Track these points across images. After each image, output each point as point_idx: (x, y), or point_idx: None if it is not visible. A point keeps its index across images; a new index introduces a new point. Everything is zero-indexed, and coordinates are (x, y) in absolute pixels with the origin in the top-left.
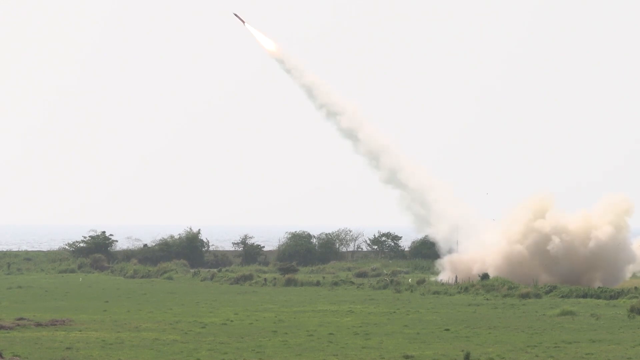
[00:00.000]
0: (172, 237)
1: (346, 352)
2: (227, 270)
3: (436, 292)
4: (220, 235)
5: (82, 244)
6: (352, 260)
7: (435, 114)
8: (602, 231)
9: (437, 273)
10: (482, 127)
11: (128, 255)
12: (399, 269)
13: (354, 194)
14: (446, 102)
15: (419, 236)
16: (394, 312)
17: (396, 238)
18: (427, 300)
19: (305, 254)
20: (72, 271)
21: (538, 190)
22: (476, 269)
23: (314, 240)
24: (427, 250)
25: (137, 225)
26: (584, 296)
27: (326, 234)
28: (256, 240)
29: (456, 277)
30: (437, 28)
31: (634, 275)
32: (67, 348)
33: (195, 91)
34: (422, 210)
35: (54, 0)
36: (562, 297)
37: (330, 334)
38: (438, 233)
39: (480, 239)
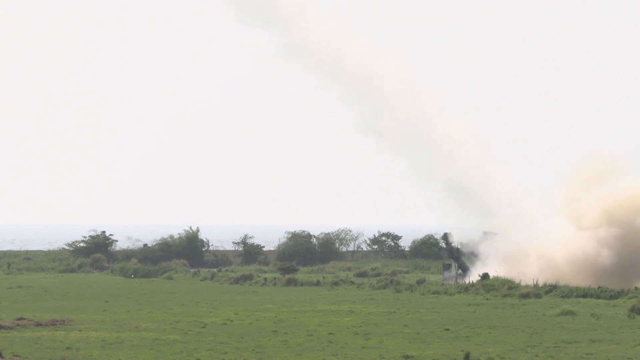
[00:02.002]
0: (172, 237)
1: (346, 352)
2: (227, 270)
3: (436, 292)
4: (220, 235)
5: (82, 244)
6: (352, 260)
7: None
8: None
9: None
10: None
11: (128, 255)
12: (399, 268)
13: (354, 194)
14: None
15: (419, 236)
16: (394, 312)
17: (396, 238)
18: (427, 300)
19: (305, 254)
20: (72, 271)
21: (593, 153)
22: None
23: (314, 240)
24: (427, 250)
25: (137, 225)
26: (584, 296)
27: (326, 234)
28: (256, 240)
29: (456, 277)
30: (436, 28)
31: None
32: (67, 348)
33: (195, 91)
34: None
35: (53, 0)
36: (562, 297)
37: (330, 333)
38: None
39: (539, 226)
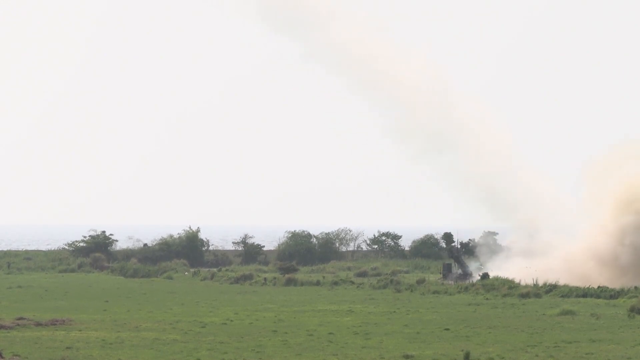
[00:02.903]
0: (172, 237)
1: (346, 352)
2: (227, 270)
3: (436, 292)
4: (221, 235)
5: (82, 244)
6: (352, 260)
7: None
8: None
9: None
10: None
11: (128, 254)
12: (399, 268)
13: (354, 194)
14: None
15: (419, 235)
16: (394, 311)
17: (396, 237)
18: (427, 299)
19: (305, 254)
20: (72, 271)
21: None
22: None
23: (314, 240)
24: (427, 250)
25: (137, 225)
26: (584, 296)
27: (326, 234)
28: (256, 239)
29: (456, 278)
30: (436, 28)
31: None
32: (67, 348)
33: (195, 91)
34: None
35: (53, 0)
36: (562, 296)
37: (330, 333)
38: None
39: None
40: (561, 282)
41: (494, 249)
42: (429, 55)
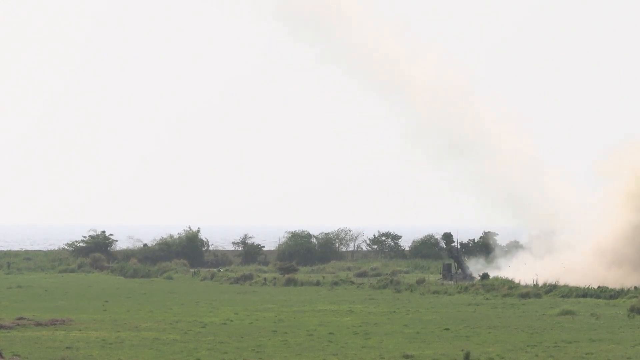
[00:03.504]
0: (172, 237)
1: (346, 352)
2: (227, 270)
3: (436, 292)
4: (221, 235)
5: (82, 244)
6: (352, 260)
7: None
8: None
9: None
10: None
11: (128, 254)
12: (399, 268)
13: (354, 194)
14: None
15: (419, 235)
16: (394, 311)
17: (396, 237)
18: (426, 299)
19: (305, 254)
20: (72, 271)
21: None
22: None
23: (314, 240)
24: (427, 250)
25: (137, 225)
26: (584, 296)
27: (326, 234)
28: (256, 240)
29: (457, 279)
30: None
31: None
32: (67, 347)
33: (195, 91)
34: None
35: (54, 0)
36: (562, 296)
37: (330, 333)
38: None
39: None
40: (573, 282)
41: (506, 249)
42: (442, 54)
